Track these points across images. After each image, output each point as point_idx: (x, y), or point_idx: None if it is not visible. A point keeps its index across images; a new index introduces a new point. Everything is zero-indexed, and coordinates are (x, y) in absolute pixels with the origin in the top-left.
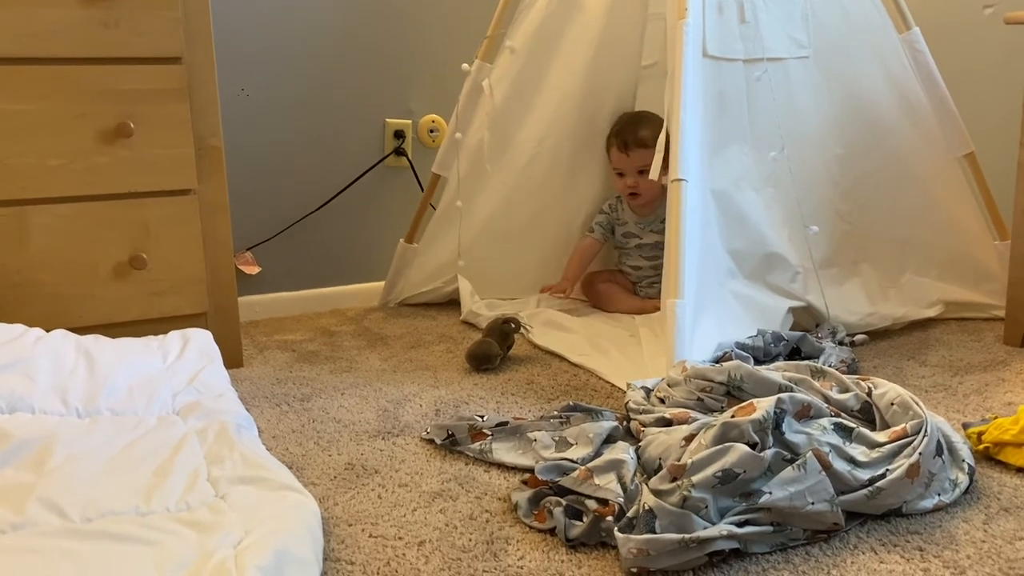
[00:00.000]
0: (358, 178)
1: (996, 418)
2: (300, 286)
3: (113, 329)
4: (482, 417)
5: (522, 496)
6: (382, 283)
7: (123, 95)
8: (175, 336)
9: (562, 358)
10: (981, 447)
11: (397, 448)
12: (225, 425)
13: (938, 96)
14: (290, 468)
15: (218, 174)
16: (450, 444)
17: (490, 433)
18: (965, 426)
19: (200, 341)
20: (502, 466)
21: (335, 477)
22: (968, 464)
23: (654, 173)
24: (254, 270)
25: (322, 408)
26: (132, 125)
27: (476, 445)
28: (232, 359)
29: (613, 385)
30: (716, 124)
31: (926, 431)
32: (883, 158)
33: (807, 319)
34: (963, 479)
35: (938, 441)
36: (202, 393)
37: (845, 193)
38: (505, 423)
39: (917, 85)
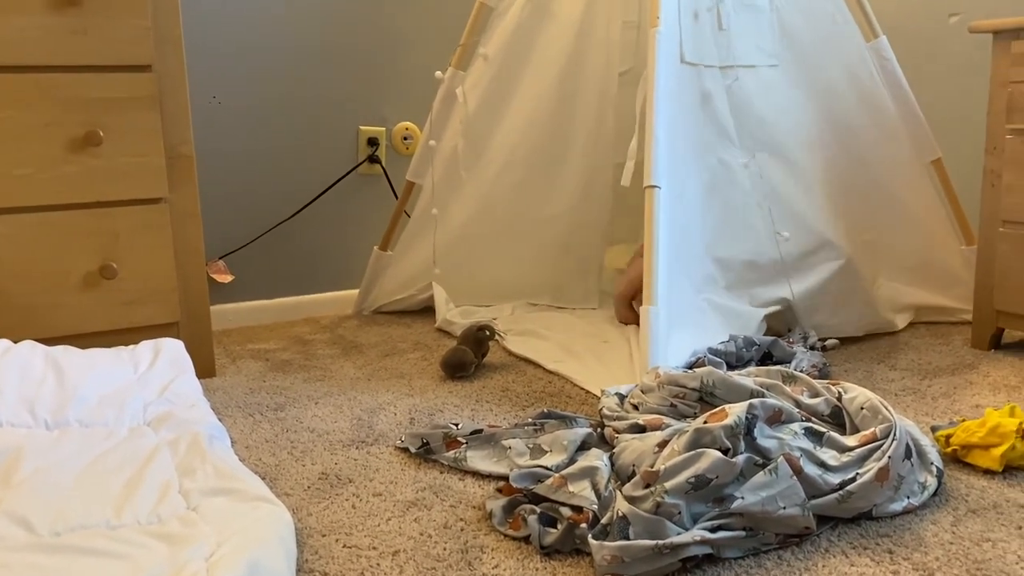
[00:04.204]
0: (331, 186)
1: (963, 421)
2: (273, 294)
3: (83, 340)
4: (456, 425)
5: (496, 504)
6: (356, 291)
7: (92, 103)
8: (146, 346)
9: (537, 365)
10: (949, 450)
11: (371, 457)
12: (197, 436)
13: (905, 103)
14: (263, 478)
15: (189, 182)
16: (424, 452)
17: (465, 441)
18: (933, 429)
19: (171, 351)
20: (477, 474)
21: (309, 487)
22: (936, 467)
23: (626, 179)
24: (227, 279)
25: (296, 417)
26: (101, 133)
27: (450, 453)
28: (204, 369)
29: (587, 391)
30: (692, 130)
31: (895, 435)
32: (853, 165)
33: (780, 324)
34: (931, 482)
35: (907, 444)
36: (174, 404)
37: (817, 199)
38: (480, 431)
39: (884, 92)
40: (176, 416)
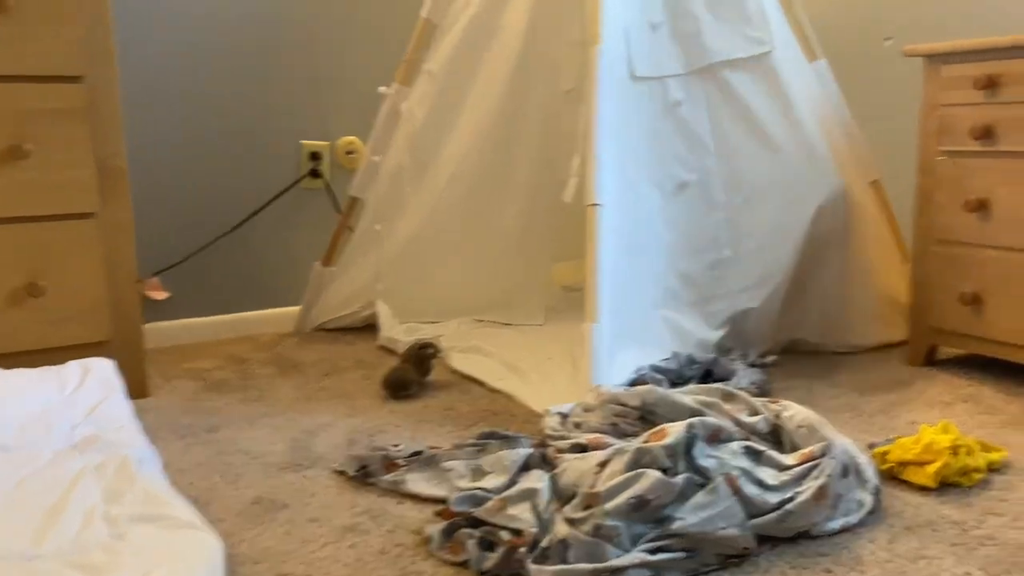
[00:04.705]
0: (272, 200)
1: (899, 438)
2: (211, 312)
3: (8, 360)
4: (397, 447)
5: (435, 528)
6: (297, 308)
7: (20, 115)
8: (74, 366)
9: (481, 383)
10: (885, 467)
11: (308, 481)
12: (125, 459)
13: (844, 123)
14: (194, 503)
15: (122, 196)
16: (363, 476)
17: (404, 463)
18: (870, 446)
19: (101, 371)
20: (416, 497)
21: (242, 512)
22: (873, 484)
23: (568, 195)
24: (162, 295)
25: (230, 439)
26: (29, 146)
27: (390, 476)
28: (136, 389)
29: (532, 410)
30: (654, 145)
31: (832, 453)
32: (803, 180)
33: (725, 340)
34: (868, 499)
35: (844, 463)
36: (102, 426)
37: (768, 214)
38: (420, 453)
39: (826, 112)
40: (104, 439)
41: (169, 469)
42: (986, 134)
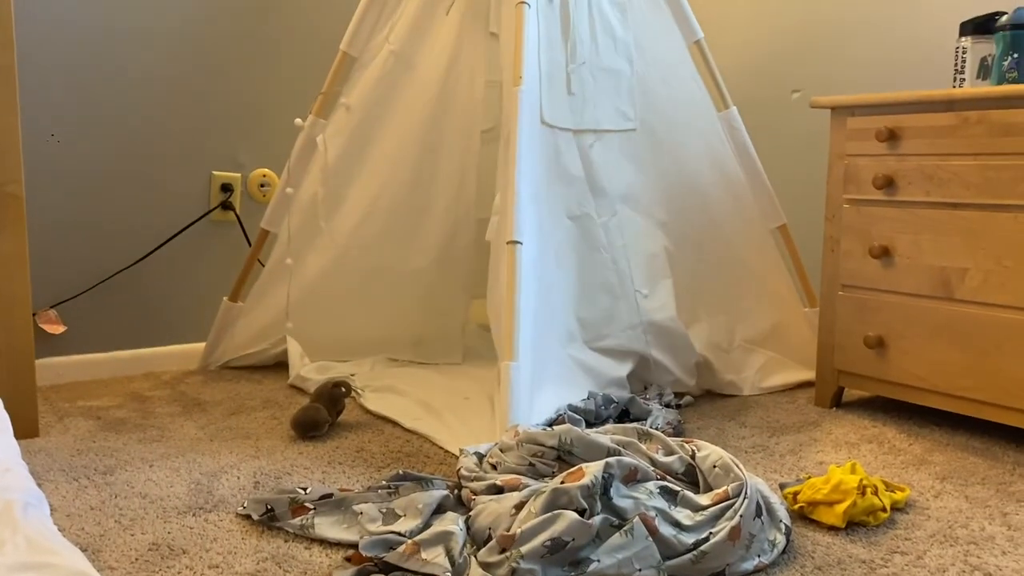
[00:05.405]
0: (179, 232)
1: (810, 478)
2: (111, 347)
3: None
4: (305, 489)
5: (344, 574)
6: (203, 344)
7: None
8: None
9: (395, 423)
10: (796, 507)
11: (209, 525)
12: (9, 504)
13: (753, 171)
14: (85, 551)
15: (17, 224)
16: (269, 519)
17: (313, 506)
18: (782, 486)
19: None
20: (325, 542)
21: (136, 560)
22: (785, 524)
23: (490, 234)
24: (58, 329)
25: (126, 482)
26: None
27: (297, 520)
28: (26, 428)
29: (447, 451)
30: (555, 189)
31: (746, 493)
32: (707, 228)
33: (636, 381)
34: (780, 539)
35: (757, 503)
36: None
37: (676, 260)
38: (330, 495)
39: (734, 160)
40: None
41: (58, 514)
42: (887, 184)
